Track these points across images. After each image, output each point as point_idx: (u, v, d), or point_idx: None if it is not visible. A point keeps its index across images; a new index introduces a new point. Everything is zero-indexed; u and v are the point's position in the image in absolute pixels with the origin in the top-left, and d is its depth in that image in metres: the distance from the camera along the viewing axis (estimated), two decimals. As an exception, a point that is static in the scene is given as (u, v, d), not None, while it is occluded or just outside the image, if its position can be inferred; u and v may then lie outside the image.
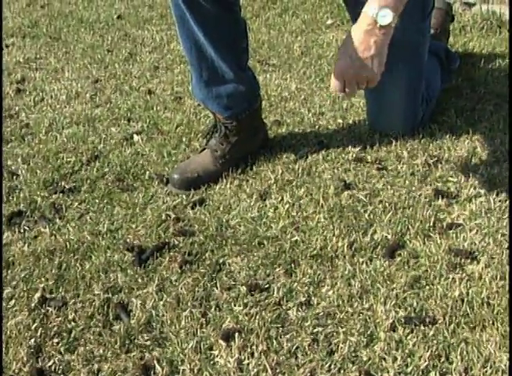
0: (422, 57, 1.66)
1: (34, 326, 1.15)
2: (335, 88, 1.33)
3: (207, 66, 1.51)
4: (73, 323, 1.16)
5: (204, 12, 1.41)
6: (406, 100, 1.67)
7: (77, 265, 1.31)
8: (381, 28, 1.25)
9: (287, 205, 1.44)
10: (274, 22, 2.64)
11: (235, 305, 1.18)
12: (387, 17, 1.24)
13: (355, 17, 1.63)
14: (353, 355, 1.06)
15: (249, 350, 1.08)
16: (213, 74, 1.52)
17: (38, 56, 2.51)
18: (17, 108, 2.06)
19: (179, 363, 1.07)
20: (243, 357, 1.07)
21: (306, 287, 1.21)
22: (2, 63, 2.43)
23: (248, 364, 1.05)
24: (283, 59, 2.26)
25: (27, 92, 2.18)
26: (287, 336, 1.10)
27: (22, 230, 1.44)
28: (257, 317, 1.14)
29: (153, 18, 2.84)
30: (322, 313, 1.15)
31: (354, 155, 1.61)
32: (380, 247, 1.30)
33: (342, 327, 1.11)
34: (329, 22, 2.57)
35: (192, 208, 1.48)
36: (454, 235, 1.32)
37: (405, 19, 1.50)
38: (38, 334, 1.14)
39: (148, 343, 1.11)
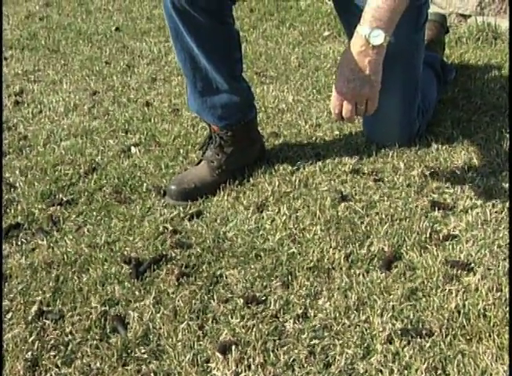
0: (417, 69, 1.68)
1: (31, 339, 1.15)
2: (334, 111, 1.36)
3: (201, 76, 1.52)
4: (70, 336, 1.16)
5: (197, 24, 1.42)
6: (402, 111, 1.68)
7: (75, 277, 1.31)
8: (374, 48, 1.29)
9: (284, 217, 1.44)
10: (271, 33, 2.65)
11: (232, 318, 1.18)
12: (379, 37, 1.29)
13: (348, 30, 1.65)
14: (350, 367, 1.06)
15: (246, 363, 1.08)
16: (207, 84, 1.53)
17: (37, 68, 2.52)
18: (15, 120, 2.07)
19: (176, 375, 1.07)
20: (239, 370, 1.07)
21: (303, 299, 1.21)
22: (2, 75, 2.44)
23: (245, 377, 1.05)
24: (281, 71, 2.27)
25: (26, 104, 2.19)
26: (284, 348, 1.11)
27: (19, 243, 1.45)
28: (254, 330, 1.14)
29: (151, 30, 2.85)
30: (318, 325, 1.15)
31: (351, 167, 1.62)
32: (376, 258, 1.30)
33: (339, 340, 1.11)
34: (326, 33, 2.58)
35: (190, 220, 1.48)
36: (450, 246, 1.32)
37: (398, 31, 1.52)
38: (35, 347, 1.14)
39: (145, 356, 1.11)
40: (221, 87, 1.52)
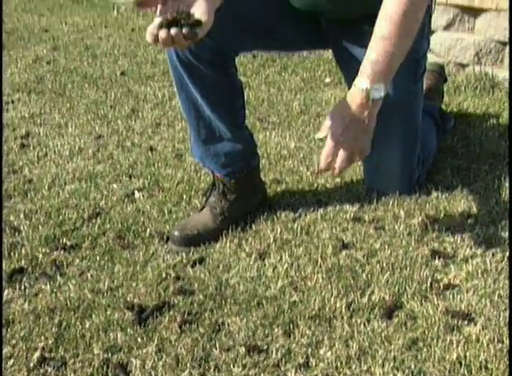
0: (416, 118, 1.71)
1: (33, 387, 1.16)
2: (326, 160, 1.34)
3: (204, 125, 1.56)
4: (72, 384, 1.16)
5: (201, 75, 1.46)
6: (402, 161, 1.71)
7: (77, 323, 1.32)
8: (373, 101, 1.32)
9: (286, 265, 1.46)
10: (273, 79, 2.70)
11: (233, 367, 1.18)
12: (378, 92, 1.32)
13: (348, 79, 1.69)
14: (351, 419, 1.06)
15: (247, 413, 1.08)
16: (210, 133, 1.57)
17: (43, 112, 2.56)
18: (21, 163, 2.10)
19: (177, 426, 1.07)
20: (241, 421, 1.07)
21: (304, 349, 1.22)
22: (7, 118, 2.49)
23: None
24: (283, 117, 2.31)
25: (31, 148, 2.22)
26: (286, 399, 1.11)
27: (23, 287, 1.45)
28: (256, 379, 1.14)
29: (155, 75, 2.91)
30: (320, 375, 1.15)
31: (352, 214, 1.64)
32: (377, 307, 1.31)
33: (341, 390, 1.12)
34: (327, 80, 2.64)
35: (192, 267, 1.49)
36: (451, 296, 1.33)
37: (398, 84, 1.56)
38: (37, 395, 1.14)
39: (146, 405, 1.11)
40: (225, 135, 1.56)
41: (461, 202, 1.68)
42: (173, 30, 1.11)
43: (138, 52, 3.28)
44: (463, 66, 2.59)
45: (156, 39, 1.13)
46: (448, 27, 2.58)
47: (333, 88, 2.56)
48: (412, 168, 1.73)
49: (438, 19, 2.56)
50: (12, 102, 2.69)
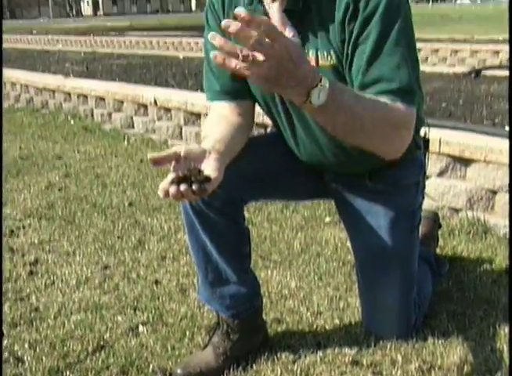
0: (413, 265, 1.80)
1: None
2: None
3: (212, 268, 1.63)
4: None
5: (212, 222, 1.55)
6: (399, 306, 1.77)
7: None
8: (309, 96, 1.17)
9: (286, 408, 1.48)
10: (276, 217, 2.82)
11: None
12: (318, 97, 1.16)
13: (347, 229, 1.79)
14: None
15: None
16: (217, 276, 1.64)
17: (52, 238, 2.65)
18: (28, 290, 2.16)
19: None
20: None
21: None
22: (18, 243, 2.57)
23: None
24: (284, 256, 2.40)
25: (39, 275, 2.29)
26: None
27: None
28: None
29: (162, 206, 3.03)
30: None
31: (350, 358, 1.68)
32: None
33: None
34: (327, 219, 2.76)
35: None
36: None
37: (395, 234, 1.67)
38: None
39: None
40: (231, 279, 1.63)
41: (457, 349, 1.72)
42: (182, 187, 1.18)
43: (146, 182, 3.43)
44: (456, 210, 2.72)
45: (166, 194, 1.19)
46: (441, 173, 2.75)
47: (332, 228, 2.67)
48: (409, 312, 1.79)
49: (432, 166, 2.73)
50: (23, 227, 2.79)
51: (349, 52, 1.36)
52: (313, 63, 1.38)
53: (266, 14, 1.40)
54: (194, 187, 1.20)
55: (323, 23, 1.38)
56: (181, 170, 1.22)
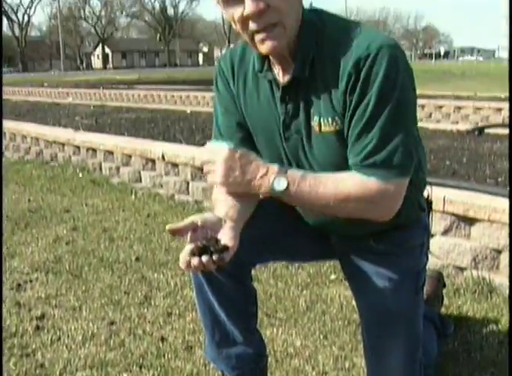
0: (418, 326, 1.79)
1: None
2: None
3: (219, 329, 1.64)
4: None
5: (220, 284, 1.58)
6: (404, 366, 1.76)
7: None
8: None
9: None
10: (281, 273, 2.83)
11: None
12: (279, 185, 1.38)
13: (351, 288, 1.81)
14: None
15: None
16: (224, 336, 1.65)
17: (59, 293, 2.67)
18: (34, 346, 2.16)
19: None
20: None
21: None
22: (25, 297, 2.59)
23: None
24: (289, 313, 2.40)
25: (45, 330, 2.29)
26: None
27: None
28: None
29: (168, 262, 3.05)
30: None
31: (356, 421, 1.67)
32: None
33: None
34: (332, 277, 2.77)
35: None
36: None
37: (401, 294, 1.68)
38: None
39: None
40: (238, 340, 1.64)
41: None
42: (204, 258, 1.24)
43: (152, 237, 3.46)
44: (461, 269, 2.73)
45: (188, 265, 1.25)
46: (445, 232, 2.77)
47: (338, 285, 2.68)
48: (414, 374, 1.78)
49: (437, 224, 2.76)
50: (31, 281, 2.81)
51: (347, 120, 1.42)
52: (317, 129, 1.44)
53: (276, 80, 1.46)
54: (214, 258, 1.25)
55: (328, 91, 1.44)
56: (199, 240, 1.27)
